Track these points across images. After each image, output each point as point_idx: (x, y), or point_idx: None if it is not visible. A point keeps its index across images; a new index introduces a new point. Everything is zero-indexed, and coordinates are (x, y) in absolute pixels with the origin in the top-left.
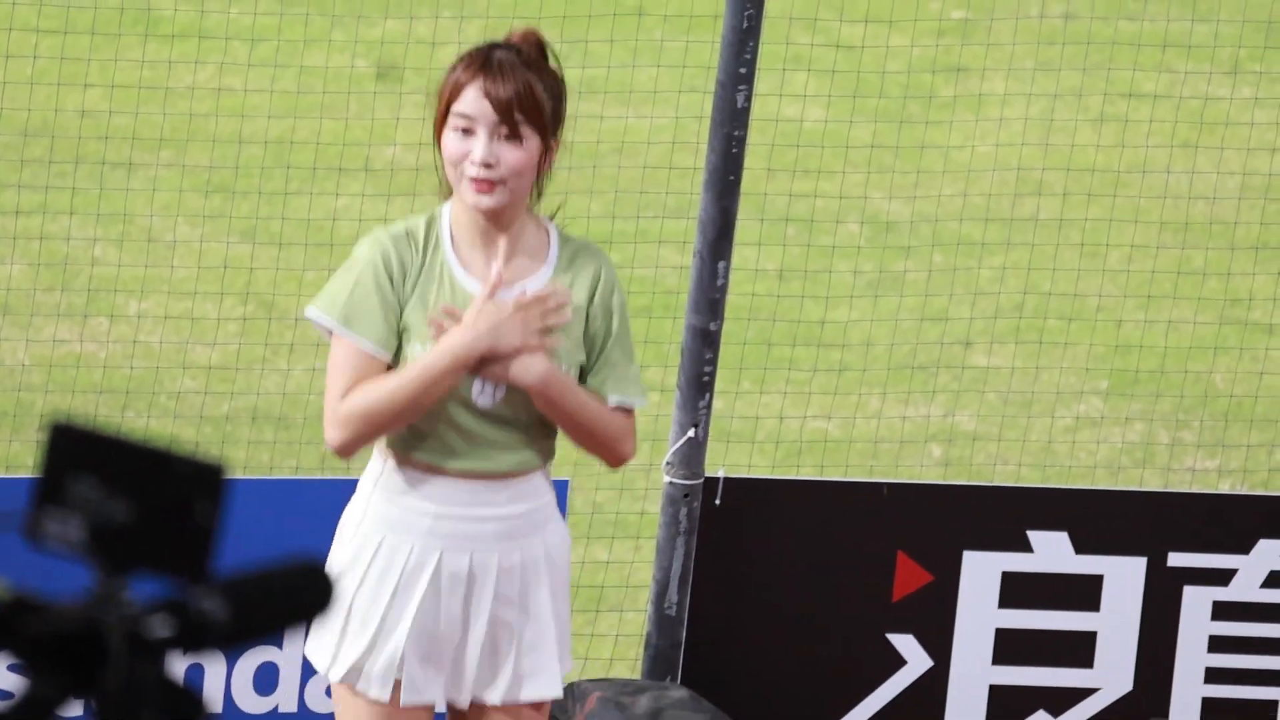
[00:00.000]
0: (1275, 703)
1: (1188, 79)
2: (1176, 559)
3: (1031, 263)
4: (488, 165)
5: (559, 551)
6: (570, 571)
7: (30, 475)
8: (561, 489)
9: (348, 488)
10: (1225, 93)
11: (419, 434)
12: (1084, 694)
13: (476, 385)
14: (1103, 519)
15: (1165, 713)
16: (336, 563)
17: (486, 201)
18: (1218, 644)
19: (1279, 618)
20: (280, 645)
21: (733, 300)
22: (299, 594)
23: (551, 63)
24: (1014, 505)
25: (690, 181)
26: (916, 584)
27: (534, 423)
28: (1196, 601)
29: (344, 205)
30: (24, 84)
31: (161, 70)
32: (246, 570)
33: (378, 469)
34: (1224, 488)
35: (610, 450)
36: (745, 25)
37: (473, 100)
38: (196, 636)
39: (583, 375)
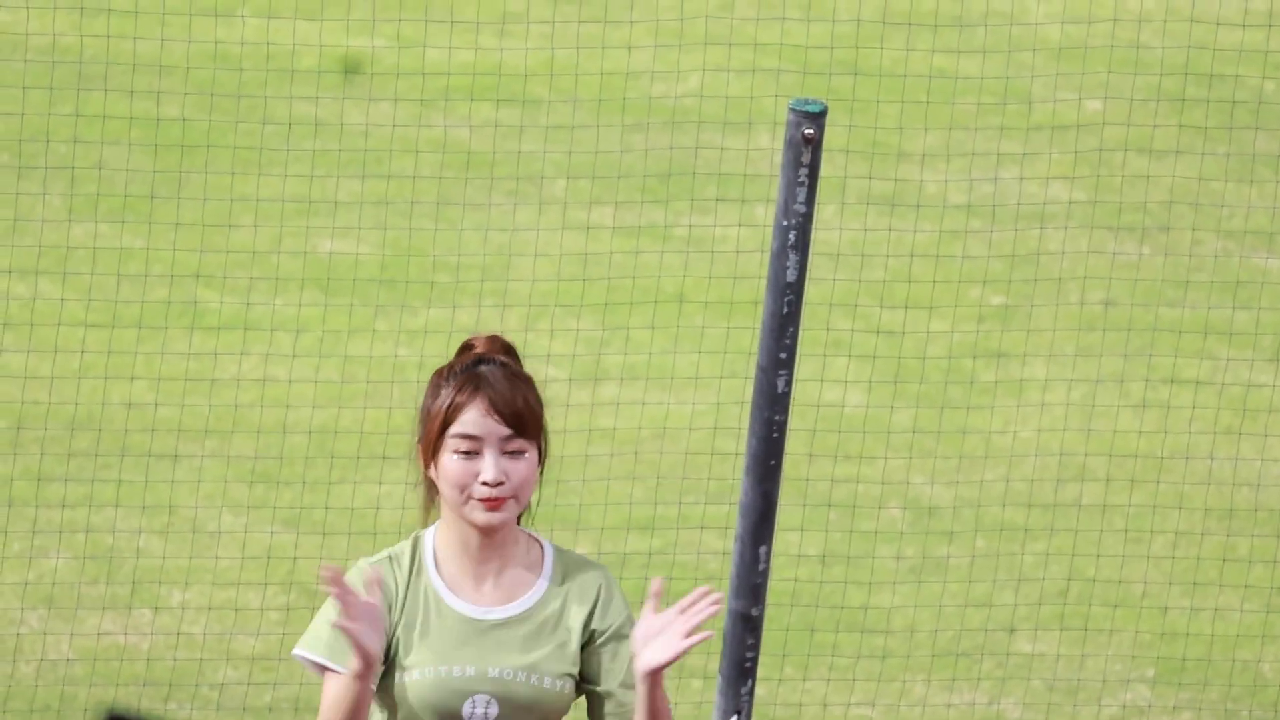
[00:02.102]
0: None
1: (1230, 365)
2: None
3: (1075, 549)
4: (499, 484)
5: None
6: None
7: None
8: None
9: None
10: (1268, 379)
11: None
12: None
13: (468, 706)
14: None
15: None
16: None
17: (498, 518)
18: None
19: None
20: None
21: (775, 585)
22: None
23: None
24: None
25: (732, 466)
26: None
27: None
28: None
29: (386, 493)
30: (71, 378)
31: (207, 362)
32: None
33: None
34: None
35: None
36: (785, 310)
37: (475, 420)
38: None
39: (593, 693)
